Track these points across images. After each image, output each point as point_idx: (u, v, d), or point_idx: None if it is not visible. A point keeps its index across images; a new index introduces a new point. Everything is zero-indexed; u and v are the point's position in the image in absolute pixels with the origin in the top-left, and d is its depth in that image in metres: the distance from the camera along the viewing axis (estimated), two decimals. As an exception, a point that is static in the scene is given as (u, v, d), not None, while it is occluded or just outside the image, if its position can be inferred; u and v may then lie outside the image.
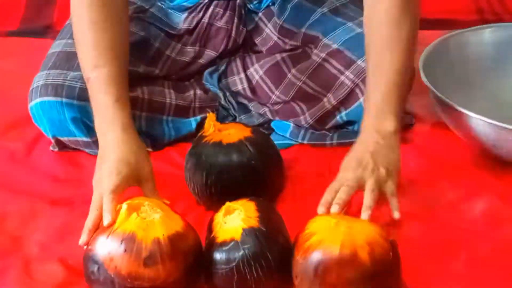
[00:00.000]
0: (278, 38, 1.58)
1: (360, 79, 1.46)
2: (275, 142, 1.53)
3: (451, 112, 1.43)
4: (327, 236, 1.14)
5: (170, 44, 1.59)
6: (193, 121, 1.55)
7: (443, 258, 1.26)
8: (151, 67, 1.56)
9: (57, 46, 1.55)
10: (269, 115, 1.57)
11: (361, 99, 1.46)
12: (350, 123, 1.52)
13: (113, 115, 1.31)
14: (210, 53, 1.60)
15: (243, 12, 1.59)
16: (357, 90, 1.47)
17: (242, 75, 1.58)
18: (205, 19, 1.59)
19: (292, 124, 1.55)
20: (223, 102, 1.58)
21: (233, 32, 1.59)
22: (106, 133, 1.31)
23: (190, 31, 1.60)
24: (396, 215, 1.25)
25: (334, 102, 1.49)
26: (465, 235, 1.31)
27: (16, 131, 1.58)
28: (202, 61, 1.60)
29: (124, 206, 1.19)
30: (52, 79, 1.46)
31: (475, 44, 1.61)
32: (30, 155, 1.53)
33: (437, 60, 1.54)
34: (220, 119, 1.57)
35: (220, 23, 1.58)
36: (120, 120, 1.30)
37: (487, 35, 1.62)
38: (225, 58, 1.60)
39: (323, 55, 1.51)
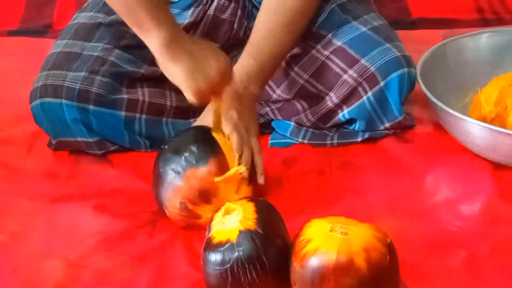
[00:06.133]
0: None
1: (363, 77, 1.46)
2: (276, 141, 1.54)
3: (448, 118, 1.44)
4: (323, 243, 1.13)
5: None
6: (192, 123, 1.55)
7: (442, 257, 1.27)
8: (155, 66, 1.56)
9: (57, 46, 1.55)
10: (270, 115, 1.57)
11: (364, 98, 1.47)
12: (350, 121, 1.52)
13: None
14: None
15: (247, 4, 1.58)
16: (360, 89, 1.47)
17: None
18: (211, 11, 1.57)
19: (292, 123, 1.55)
20: (223, 103, 1.58)
21: (236, 25, 1.57)
22: None
23: (196, 24, 1.58)
24: (261, 180, 1.36)
25: (336, 100, 1.49)
26: (464, 235, 1.32)
27: (16, 129, 1.59)
28: None
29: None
30: (52, 80, 1.47)
31: (472, 49, 1.61)
32: (30, 153, 1.53)
33: (434, 66, 1.54)
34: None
35: (225, 15, 1.57)
36: None
37: (484, 40, 1.62)
38: (225, 52, 1.60)
39: (326, 52, 1.50)
